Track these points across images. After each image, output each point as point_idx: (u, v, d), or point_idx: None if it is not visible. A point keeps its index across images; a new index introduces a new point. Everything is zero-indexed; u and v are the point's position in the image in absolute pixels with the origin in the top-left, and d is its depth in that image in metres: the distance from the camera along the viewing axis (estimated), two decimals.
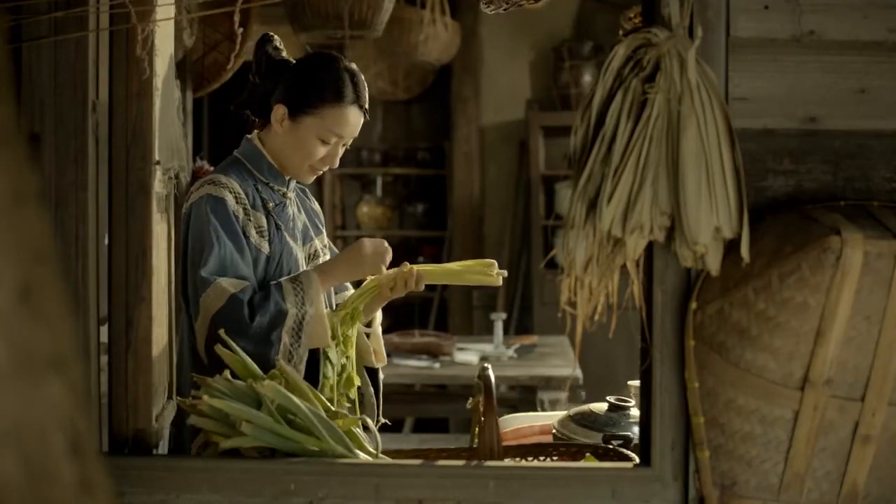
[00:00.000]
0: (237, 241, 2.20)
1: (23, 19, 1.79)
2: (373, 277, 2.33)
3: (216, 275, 2.15)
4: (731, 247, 1.61)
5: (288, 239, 2.32)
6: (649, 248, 1.73)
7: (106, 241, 1.93)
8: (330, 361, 2.25)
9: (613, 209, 1.59)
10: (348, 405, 2.31)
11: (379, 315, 2.46)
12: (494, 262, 2.35)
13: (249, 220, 2.24)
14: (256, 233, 2.25)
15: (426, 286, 2.39)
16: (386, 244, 2.31)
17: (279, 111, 2.32)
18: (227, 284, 2.14)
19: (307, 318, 2.17)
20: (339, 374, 2.28)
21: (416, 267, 2.33)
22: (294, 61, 2.37)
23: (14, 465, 0.80)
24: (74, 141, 1.82)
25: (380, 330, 2.47)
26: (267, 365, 2.05)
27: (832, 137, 1.77)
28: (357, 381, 2.32)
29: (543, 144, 6.30)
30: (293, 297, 2.17)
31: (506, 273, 2.35)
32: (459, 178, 6.60)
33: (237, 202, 2.23)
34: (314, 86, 2.30)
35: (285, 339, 2.15)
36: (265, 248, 2.25)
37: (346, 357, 2.30)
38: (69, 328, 0.88)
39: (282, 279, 2.22)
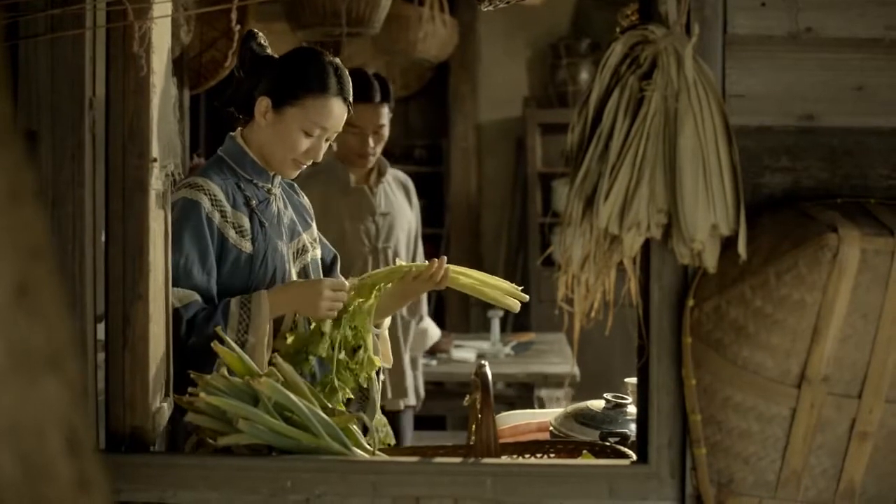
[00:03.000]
0: (202, 247, 2.20)
1: (20, 16, 1.79)
2: (403, 265, 2.36)
3: None
4: (728, 244, 1.61)
5: (273, 237, 2.32)
6: (646, 245, 1.73)
7: (103, 239, 1.92)
8: (325, 334, 2.25)
9: (610, 206, 1.59)
10: (354, 390, 2.32)
11: (388, 320, 2.48)
12: (519, 289, 2.37)
13: (227, 221, 2.25)
14: (236, 233, 2.25)
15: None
16: (346, 291, 2.28)
17: (263, 103, 2.32)
18: (173, 297, 2.13)
19: (247, 347, 2.15)
20: (357, 356, 2.28)
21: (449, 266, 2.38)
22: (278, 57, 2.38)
23: (11, 462, 0.80)
24: (71, 138, 1.82)
25: (387, 333, 2.50)
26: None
27: (829, 135, 1.77)
28: (378, 363, 2.32)
29: (541, 142, 6.30)
30: (236, 325, 2.17)
31: (518, 307, 2.38)
32: (456, 176, 6.59)
33: (213, 205, 2.23)
34: (298, 77, 2.30)
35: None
36: (246, 247, 2.26)
37: (363, 340, 2.30)
38: (66, 325, 0.88)
39: (232, 300, 2.20)
